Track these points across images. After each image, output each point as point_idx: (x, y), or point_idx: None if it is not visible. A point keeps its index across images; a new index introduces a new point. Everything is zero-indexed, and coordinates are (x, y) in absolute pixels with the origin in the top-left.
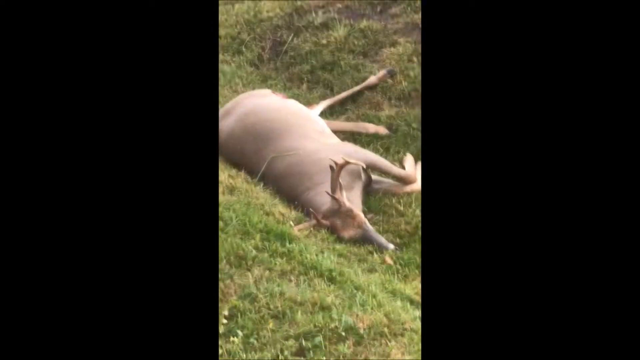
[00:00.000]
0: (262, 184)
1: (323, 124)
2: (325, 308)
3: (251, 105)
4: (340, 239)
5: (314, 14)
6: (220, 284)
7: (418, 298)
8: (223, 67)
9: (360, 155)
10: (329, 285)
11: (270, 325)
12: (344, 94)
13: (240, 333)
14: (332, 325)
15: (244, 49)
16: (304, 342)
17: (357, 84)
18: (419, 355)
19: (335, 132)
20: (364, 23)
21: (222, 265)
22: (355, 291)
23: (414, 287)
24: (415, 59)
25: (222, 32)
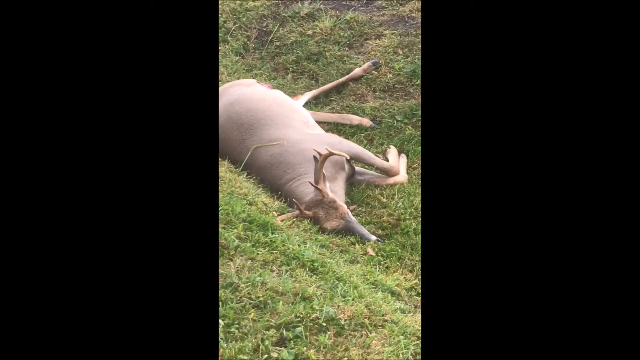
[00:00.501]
0: (245, 174)
1: (307, 115)
2: (306, 298)
3: (236, 94)
4: (322, 230)
5: (300, 4)
6: None
7: (399, 289)
8: None
9: (344, 146)
10: (311, 276)
11: (252, 315)
12: (328, 85)
13: (221, 322)
14: (313, 316)
15: (229, 38)
16: (284, 332)
17: (342, 75)
18: (398, 346)
19: (320, 123)
20: (349, 14)
21: None
22: (336, 282)
23: (395, 279)
24: (400, 51)
25: None
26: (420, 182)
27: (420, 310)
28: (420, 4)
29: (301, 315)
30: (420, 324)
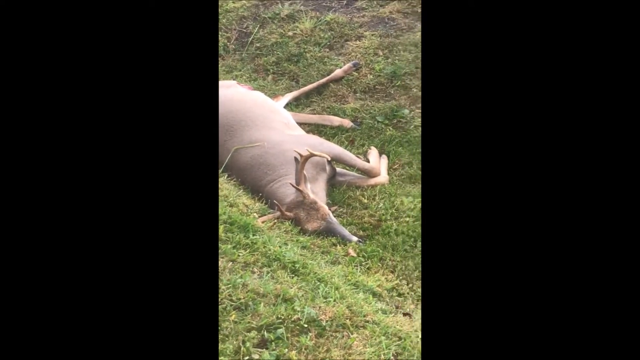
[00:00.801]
0: (226, 176)
1: (288, 116)
2: (288, 300)
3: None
4: (304, 231)
5: (280, 6)
6: None
7: (380, 290)
8: None
9: (325, 147)
10: (292, 277)
11: (233, 316)
12: (309, 86)
13: None
14: (295, 317)
15: None
16: (266, 334)
17: (322, 76)
18: (380, 347)
19: (301, 124)
20: (330, 16)
21: None
22: (318, 283)
23: (376, 280)
24: (380, 52)
25: None
26: (399, 181)
27: (401, 311)
28: (400, 6)
29: (282, 317)
30: (401, 325)
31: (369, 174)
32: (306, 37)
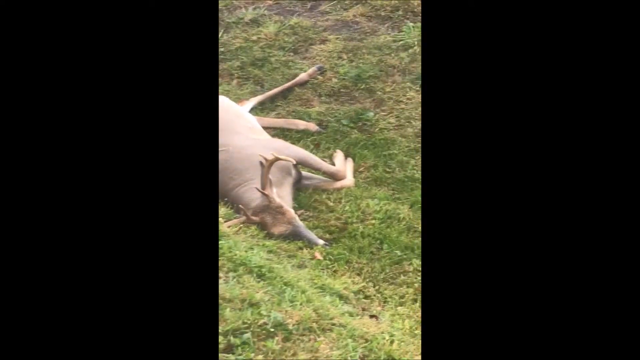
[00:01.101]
0: None
1: (253, 120)
2: (254, 304)
3: None
4: (270, 235)
5: (244, 10)
6: None
7: (347, 293)
8: None
9: (291, 151)
10: (259, 282)
11: None
12: (274, 91)
13: None
14: (261, 322)
15: None
16: (232, 339)
17: (287, 80)
18: (347, 349)
19: (266, 128)
20: (294, 20)
21: None
22: (284, 287)
23: (343, 282)
24: (344, 55)
25: None
26: (365, 184)
27: (368, 313)
28: (364, 9)
29: (249, 322)
30: (368, 327)
31: (334, 177)
32: (270, 41)
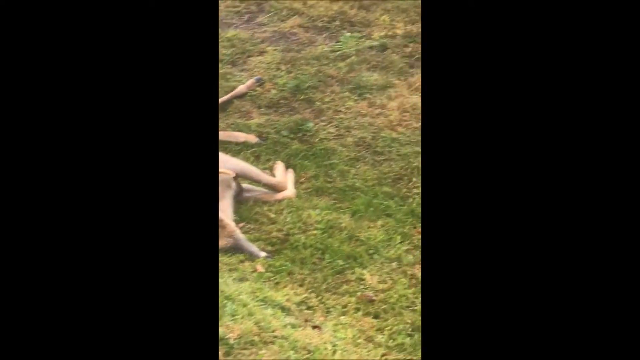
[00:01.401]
0: None
1: None
2: None
3: None
4: None
5: None
6: None
7: (289, 304)
8: None
9: (231, 164)
10: None
11: None
12: None
13: None
14: None
15: None
16: None
17: (225, 93)
18: None
19: None
20: (231, 32)
21: None
22: (225, 301)
23: (285, 294)
24: (283, 67)
25: None
26: (306, 194)
27: (310, 324)
28: (301, 20)
29: None
30: (310, 338)
31: (275, 188)
32: None
